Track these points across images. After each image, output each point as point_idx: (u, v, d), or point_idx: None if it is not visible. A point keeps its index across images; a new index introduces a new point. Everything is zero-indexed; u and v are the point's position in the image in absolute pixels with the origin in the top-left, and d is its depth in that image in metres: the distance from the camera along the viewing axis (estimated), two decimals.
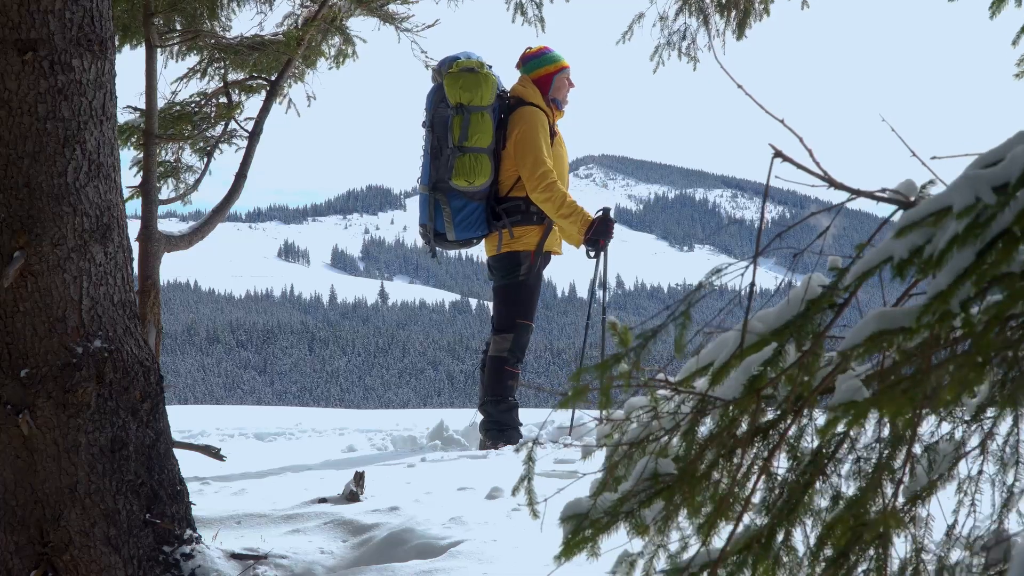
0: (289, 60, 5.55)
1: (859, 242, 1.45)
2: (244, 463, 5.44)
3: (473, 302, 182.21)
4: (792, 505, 1.49)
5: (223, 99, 5.63)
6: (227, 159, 5.97)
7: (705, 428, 1.57)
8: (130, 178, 5.52)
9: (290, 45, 5.45)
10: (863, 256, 1.37)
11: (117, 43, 5.09)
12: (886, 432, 1.54)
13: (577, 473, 3.22)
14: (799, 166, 1.51)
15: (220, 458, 4.15)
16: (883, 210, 1.57)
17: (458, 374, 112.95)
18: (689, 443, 1.55)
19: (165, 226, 5.21)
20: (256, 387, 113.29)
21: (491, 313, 6.20)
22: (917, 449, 1.61)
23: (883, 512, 1.47)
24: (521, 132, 5.83)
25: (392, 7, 5.81)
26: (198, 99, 5.64)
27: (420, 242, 6.19)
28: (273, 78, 5.61)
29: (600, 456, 1.78)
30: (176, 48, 5.50)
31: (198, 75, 5.63)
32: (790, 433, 1.54)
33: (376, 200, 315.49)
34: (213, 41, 5.49)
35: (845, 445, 1.56)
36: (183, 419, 9.63)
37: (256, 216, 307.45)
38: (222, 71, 5.60)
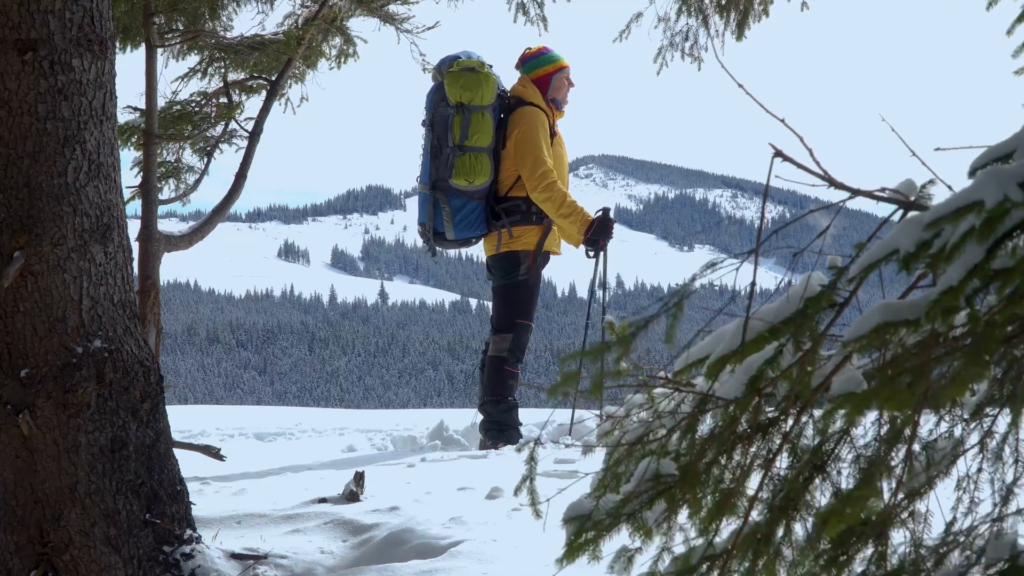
0: (289, 60, 5.55)
1: (858, 241, 1.45)
2: (244, 463, 5.44)
3: (473, 302, 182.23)
4: (792, 502, 1.49)
5: (223, 99, 5.63)
6: (227, 159, 5.97)
7: (705, 427, 1.57)
8: (130, 178, 5.53)
9: (290, 45, 5.45)
10: (867, 250, 1.37)
11: (117, 43, 5.09)
12: (885, 430, 1.54)
13: (578, 473, 3.22)
14: (799, 165, 1.52)
15: (220, 458, 4.15)
16: (883, 210, 1.57)
17: (458, 374, 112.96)
18: (690, 442, 1.55)
19: (165, 226, 5.21)
20: (256, 387, 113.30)
21: (491, 313, 6.21)
22: (916, 446, 1.61)
23: (882, 508, 1.47)
24: (521, 132, 5.84)
25: (392, 7, 5.81)
26: (198, 99, 5.64)
27: (420, 242, 6.19)
28: (273, 78, 5.61)
29: (600, 454, 1.78)
30: (176, 48, 5.50)
31: (198, 75, 5.63)
32: (790, 431, 1.54)
33: (376, 200, 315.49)
34: (213, 41, 5.49)
35: (845, 443, 1.56)
36: (183, 419, 9.63)
37: (256, 216, 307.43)
38: (222, 71, 5.60)
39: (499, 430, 5.83)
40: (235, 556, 3.21)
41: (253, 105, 5.73)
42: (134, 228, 3.93)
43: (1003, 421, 1.67)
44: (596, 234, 5.87)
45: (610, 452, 1.72)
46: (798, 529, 1.55)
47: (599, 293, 6.19)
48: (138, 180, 5.21)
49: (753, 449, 1.54)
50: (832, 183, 1.55)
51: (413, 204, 6.25)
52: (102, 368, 3.00)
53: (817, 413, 1.54)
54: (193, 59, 5.62)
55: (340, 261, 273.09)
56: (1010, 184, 1.18)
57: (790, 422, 1.50)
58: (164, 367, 3.57)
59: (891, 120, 1.71)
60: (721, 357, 1.45)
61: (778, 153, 1.50)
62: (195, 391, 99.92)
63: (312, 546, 3.38)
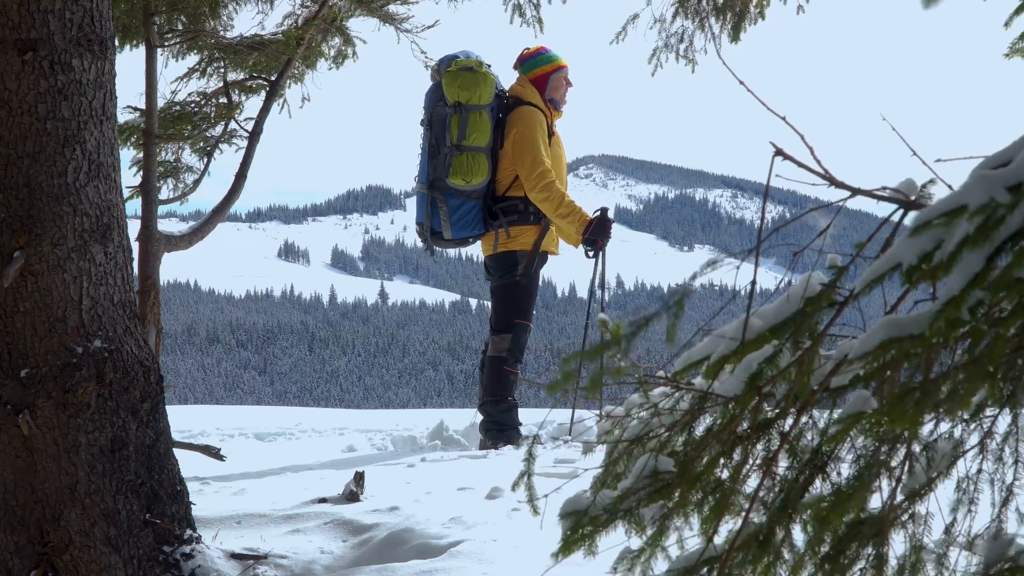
0: (289, 60, 5.55)
1: (858, 241, 1.45)
2: (244, 463, 5.44)
3: (473, 302, 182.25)
4: (791, 503, 1.49)
5: (223, 99, 5.62)
6: (227, 159, 5.97)
7: (703, 426, 1.57)
8: (130, 178, 5.52)
9: (290, 45, 5.45)
10: (869, 260, 1.37)
11: (117, 43, 5.09)
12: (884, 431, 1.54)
13: (578, 471, 3.22)
14: (800, 164, 1.51)
15: (220, 458, 4.15)
16: (883, 209, 1.56)
17: (458, 374, 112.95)
18: (689, 440, 1.55)
19: (165, 226, 5.20)
20: (256, 387, 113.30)
21: (489, 313, 6.21)
22: (916, 447, 1.61)
23: (882, 509, 1.47)
24: (519, 132, 5.84)
25: (392, 8, 5.81)
26: (198, 99, 5.64)
27: (420, 242, 6.20)
28: (273, 78, 5.61)
29: (600, 453, 1.79)
30: (176, 48, 5.50)
31: (198, 75, 5.62)
32: (789, 431, 1.54)
33: (376, 200, 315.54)
34: (213, 41, 5.49)
35: (845, 444, 1.56)
36: (183, 419, 9.63)
37: (256, 216, 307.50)
38: (222, 71, 5.60)
39: (499, 430, 5.83)
40: (235, 556, 3.21)
41: (253, 105, 5.74)
42: (134, 228, 3.93)
43: (1003, 421, 1.67)
44: (594, 234, 5.87)
45: (610, 450, 1.72)
46: (798, 531, 1.55)
47: (599, 293, 6.20)
48: (138, 180, 5.21)
49: (753, 449, 1.53)
50: (833, 182, 1.55)
51: (413, 204, 6.25)
52: (102, 368, 3.00)
53: (817, 413, 1.54)
54: (193, 59, 5.62)
55: (340, 261, 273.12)
56: (997, 187, 1.18)
57: (789, 421, 1.50)
58: (164, 367, 3.57)
59: (891, 121, 1.71)
60: (721, 357, 1.45)
61: (779, 152, 1.50)
62: (195, 391, 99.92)
63: (312, 546, 3.38)
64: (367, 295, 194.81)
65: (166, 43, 5.34)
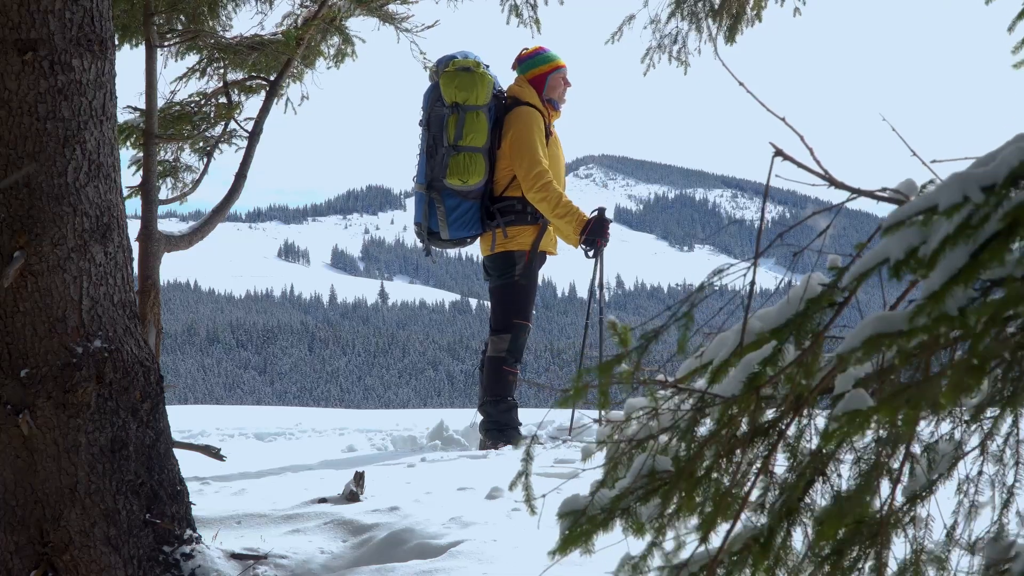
0: (289, 60, 5.55)
1: (858, 241, 1.45)
2: (244, 463, 5.44)
3: (473, 302, 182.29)
4: (791, 505, 1.49)
5: (223, 99, 5.62)
6: (227, 159, 5.98)
7: (704, 429, 1.57)
8: (130, 178, 5.52)
9: (290, 45, 5.45)
10: (861, 256, 1.37)
11: (117, 43, 5.09)
12: (885, 432, 1.54)
13: (577, 471, 3.22)
14: (800, 164, 1.51)
15: (220, 458, 4.15)
16: (883, 210, 1.56)
17: (458, 374, 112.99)
18: (688, 441, 1.55)
19: (165, 226, 5.20)
20: (256, 387, 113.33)
21: (488, 313, 6.21)
22: (916, 449, 1.61)
23: (882, 512, 1.47)
24: (516, 132, 5.85)
25: (392, 7, 5.80)
26: (198, 99, 5.64)
27: (419, 242, 6.21)
28: (273, 78, 5.61)
29: (600, 457, 1.78)
30: (176, 48, 5.50)
31: (198, 75, 5.62)
32: (789, 432, 1.54)
33: (376, 200, 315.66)
34: (213, 41, 5.49)
35: (845, 445, 1.56)
36: (183, 419, 9.63)
37: (256, 216, 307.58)
38: (222, 71, 5.60)
39: (499, 430, 5.83)
40: (235, 556, 3.21)
41: (253, 105, 5.74)
42: (134, 228, 3.93)
43: (1003, 422, 1.66)
44: (592, 234, 5.87)
45: (610, 452, 1.71)
46: (797, 534, 1.55)
47: (599, 293, 6.20)
48: (138, 180, 5.21)
49: (754, 450, 1.53)
50: (832, 182, 1.55)
51: (412, 204, 6.27)
52: (102, 368, 3.00)
53: (818, 420, 1.54)
54: (192, 59, 5.62)
55: (340, 261, 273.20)
56: (972, 187, 1.19)
57: (792, 427, 1.50)
58: (164, 367, 3.57)
59: (890, 122, 1.71)
60: (724, 363, 1.45)
61: (779, 152, 1.50)
62: (195, 391, 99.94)
63: (312, 546, 3.38)
64: (367, 295, 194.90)
65: (166, 43, 5.33)
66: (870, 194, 1.55)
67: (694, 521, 1.58)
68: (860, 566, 1.47)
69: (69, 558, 2.95)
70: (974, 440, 1.67)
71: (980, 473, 1.66)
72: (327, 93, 6.55)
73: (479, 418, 6.07)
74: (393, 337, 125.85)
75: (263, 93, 5.63)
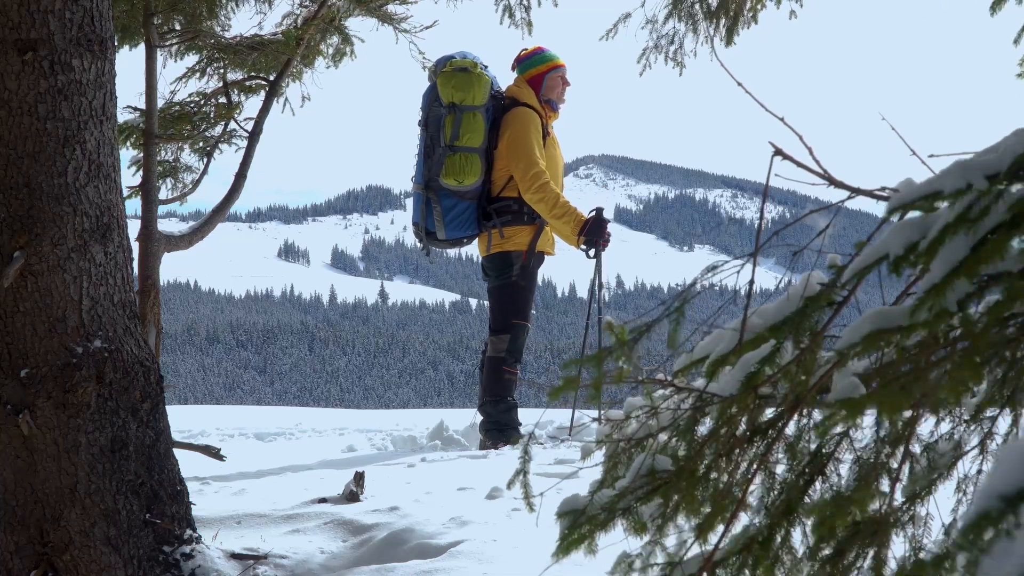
0: (288, 60, 5.55)
1: (858, 241, 1.45)
2: (244, 463, 5.44)
3: (473, 302, 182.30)
4: (791, 505, 1.49)
5: (223, 99, 5.62)
6: (227, 159, 5.98)
7: (704, 428, 1.57)
8: (130, 178, 5.52)
9: (289, 45, 5.45)
10: (863, 252, 1.37)
11: (117, 43, 5.09)
12: (885, 432, 1.54)
13: (577, 471, 3.23)
14: (799, 164, 1.51)
15: (220, 458, 4.15)
16: (883, 209, 1.56)
17: (458, 374, 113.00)
18: (687, 441, 1.55)
19: (165, 226, 5.20)
20: (256, 387, 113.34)
21: (487, 314, 6.22)
22: (916, 448, 1.61)
23: (881, 511, 1.47)
24: (513, 132, 5.85)
25: (390, 7, 5.81)
26: (198, 99, 5.64)
27: (418, 242, 6.22)
28: (272, 78, 5.61)
29: (599, 456, 1.79)
30: (176, 48, 5.50)
31: (197, 75, 5.62)
32: (788, 432, 1.54)
33: (376, 200, 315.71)
34: (212, 41, 5.49)
35: (844, 445, 1.56)
36: (183, 419, 9.63)
37: (256, 216, 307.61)
38: (221, 71, 5.60)
39: (499, 430, 5.84)
40: (235, 556, 3.21)
41: (252, 105, 5.74)
42: (134, 228, 3.93)
43: (1003, 422, 1.66)
44: (590, 234, 5.87)
45: (610, 451, 1.72)
46: (796, 534, 1.55)
47: (598, 293, 6.20)
48: (138, 180, 5.21)
49: (753, 449, 1.53)
50: (832, 182, 1.55)
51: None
52: (102, 368, 3.00)
53: (815, 414, 1.54)
54: (192, 59, 5.62)
55: (340, 261, 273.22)
56: (975, 174, 1.18)
57: (787, 421, 1.50)
58: (164, 367, 3.57)
59: (890, 121, 1.71)
60: (720, 357, 1.45)
61: (778, 151, 1.50)
62: (195, 391, 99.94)
63: (312, 546, 3.38)
64: (367, 295, 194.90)
65: (165, 43, 5.33)
66: (869, 193, 1.55)
67: (695, 521, 1.58)
68: (859, 564, 1.47)
69: (69, 558, 2.95)
70: (974, 439, 1.67)
71: (980, 472, 1.67)
72: (327, 93, 6.56)
73: (479, 418, 6.08)
74: (393, 337, 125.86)
75: (263, 93, 5.63)
